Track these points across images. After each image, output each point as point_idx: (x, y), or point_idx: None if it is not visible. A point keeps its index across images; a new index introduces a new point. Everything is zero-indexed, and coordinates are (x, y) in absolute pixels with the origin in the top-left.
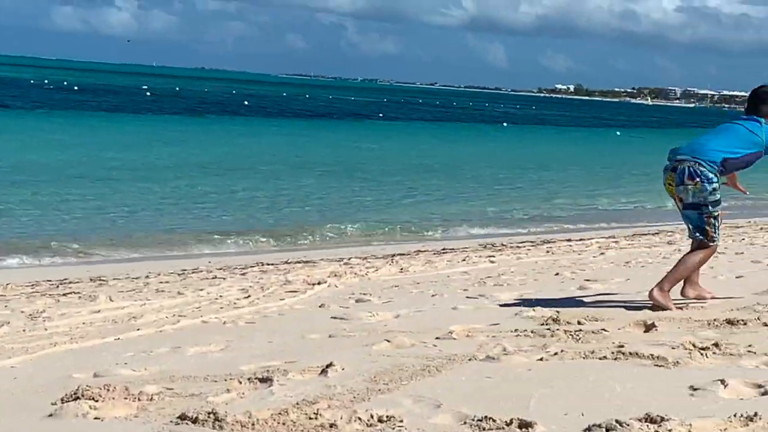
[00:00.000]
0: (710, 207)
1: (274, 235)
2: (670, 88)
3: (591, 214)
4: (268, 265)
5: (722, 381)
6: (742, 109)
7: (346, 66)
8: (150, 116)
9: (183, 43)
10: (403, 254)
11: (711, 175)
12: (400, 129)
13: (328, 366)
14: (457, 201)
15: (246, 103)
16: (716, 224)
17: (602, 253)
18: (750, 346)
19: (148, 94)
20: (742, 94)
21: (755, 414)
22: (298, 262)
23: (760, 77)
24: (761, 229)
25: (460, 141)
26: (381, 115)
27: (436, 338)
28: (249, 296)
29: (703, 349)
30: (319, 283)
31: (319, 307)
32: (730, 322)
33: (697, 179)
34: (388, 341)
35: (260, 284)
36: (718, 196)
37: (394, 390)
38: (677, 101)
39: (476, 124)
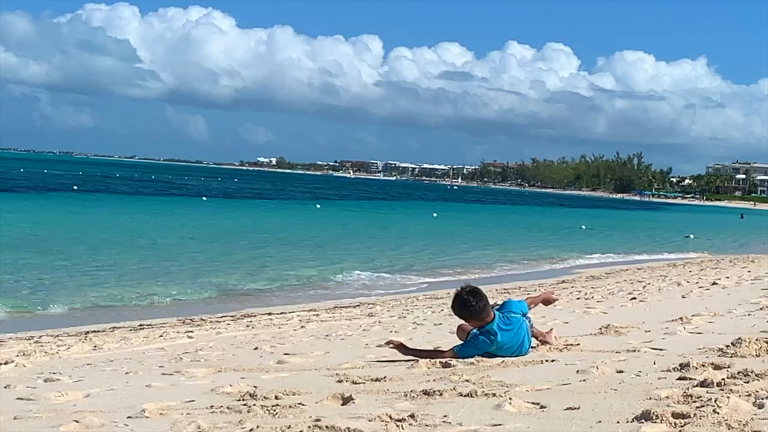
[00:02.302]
0: None
1: None
2: (371, 161)
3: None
4: None
5: None
6: (443, 183)
7: (41, 139)
8: None
9: None
10: (98, 331)
11: None
12: (90, 202)
13: None
14: (141, 277)
15: None
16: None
17: (303, 327)
18: (445, 416)
19: None
20: (441, 166)
21: None
22: None
23: (457, 150)
24: None
25: (159, 214)
26: (75, 188)
27: (128, 417)
28: None
29: (399, 420)
30: (6, 363)
31: (5, 388)
32: (426, 392)
33: None
34: (77, 422)
35: None
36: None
37: None
38: (379, 174)
39: (174, 197)
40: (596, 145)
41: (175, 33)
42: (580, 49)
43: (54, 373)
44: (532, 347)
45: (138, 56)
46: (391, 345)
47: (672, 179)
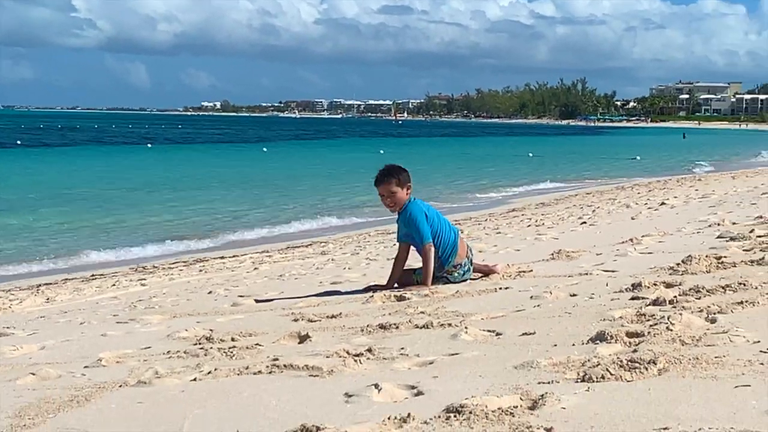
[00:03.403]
0: None
1: None
2: (317, 100)
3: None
4: None
5: (376, 385)
6: (388, 118)
7: None
8: None
9: None
10: (50, 283)
11: None
12: (38, 156)
13: None
14: (86, 228)
15: None
16: None
17: (256, 268)
18: (403, 348)
19: None
20: (386, 102)
21: (408, 415)
22: None
23: (401, 85)
24: None
25: (96, 164)
26: (19, 142)
27: (85, 367)
28: None
29: (357, 355)
30: None
31: None
32: (382, 326)
33: None
34: (33, 374)
35: None
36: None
37: (41, 424)
38: (325, 113)
39: (119, 146)
40: (540, 73)
41: None
42: None
43: (7, 328)
44: (482, 278)
45: (73, 5)
46: (371, 291)
47: (617, 103)
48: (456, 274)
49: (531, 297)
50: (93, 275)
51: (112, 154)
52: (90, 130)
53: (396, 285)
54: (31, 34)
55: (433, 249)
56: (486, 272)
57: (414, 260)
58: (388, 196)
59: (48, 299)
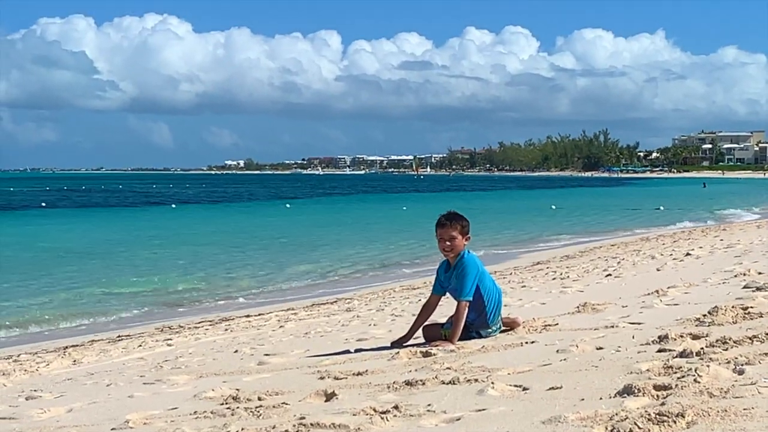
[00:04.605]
0: None
1: None
2: (339, 156)
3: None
4: None
5: None
6: (411, 173)
7: (6, 157)
8: None
9: None
10: (76, 345)
11: None
12: (53, 218)
13: None
14: (109, 288)
15: None
16: None
17: (281, 326)
18: (429, 405)
19: None
20: (409, 157)
21: None
22: None
23: (422, 140)
24: None
25: (118, 225)
26: (43, 204)
27: (112, 429)
28: None
29: (383, 413)
30: None
31: None
32: (408, 383)
33: None
34: None
35: None
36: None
37: None
38: (347, 169)
39: (142, 207)
40: (561, 125)
41: (132, 42)
42: (538, 30)
43: (35, 391)
44: (507, 332)
45: (95, 68)
46: (396, 346)
47: (639, 153)
48: (490, 330)
49: (557, 351)
50: (119, 336)
51: (135, 214)
52: (114, 191)
53: (423, 339)
54: (55, 96)
55: (467, 308)
56: (508, 324)
57: (439, 315)
58: (449, 240)
59: (75, 361)
